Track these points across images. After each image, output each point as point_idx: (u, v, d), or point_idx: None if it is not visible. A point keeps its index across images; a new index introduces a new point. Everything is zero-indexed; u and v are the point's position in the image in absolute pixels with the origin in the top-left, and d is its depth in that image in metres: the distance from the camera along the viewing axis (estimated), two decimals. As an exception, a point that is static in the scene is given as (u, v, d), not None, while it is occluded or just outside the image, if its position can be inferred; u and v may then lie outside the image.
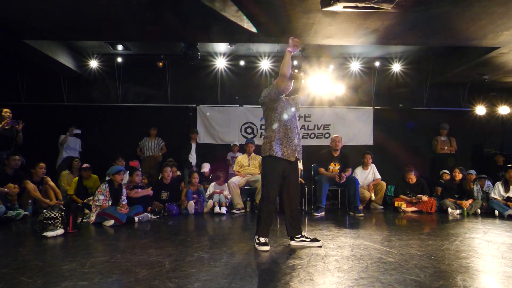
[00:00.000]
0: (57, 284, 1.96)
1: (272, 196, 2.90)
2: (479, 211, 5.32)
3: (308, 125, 7.39)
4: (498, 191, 5.39)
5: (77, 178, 5.32)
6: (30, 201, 4.71)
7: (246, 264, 2.42)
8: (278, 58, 6.85)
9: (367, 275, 2.14)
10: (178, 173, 6.08)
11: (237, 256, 2.60)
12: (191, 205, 5.07)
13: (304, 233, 3.03)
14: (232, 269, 2.29)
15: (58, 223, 3.40)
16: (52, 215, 3.43)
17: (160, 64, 6.71)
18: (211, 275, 2.16)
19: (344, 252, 2.75)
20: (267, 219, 2.89)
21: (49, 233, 3.28)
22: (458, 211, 5.30)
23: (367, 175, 6.18)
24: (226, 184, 5.55)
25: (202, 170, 6.15)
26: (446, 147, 6.95)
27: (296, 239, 3.00)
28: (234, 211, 5.21)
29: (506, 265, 2.40)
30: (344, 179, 5.28)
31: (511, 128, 7.54)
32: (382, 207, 5.95)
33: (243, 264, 2.41)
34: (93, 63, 6.81)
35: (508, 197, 5.26)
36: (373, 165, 6.21)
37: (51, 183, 5.13)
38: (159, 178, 5.55)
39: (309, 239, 2.97)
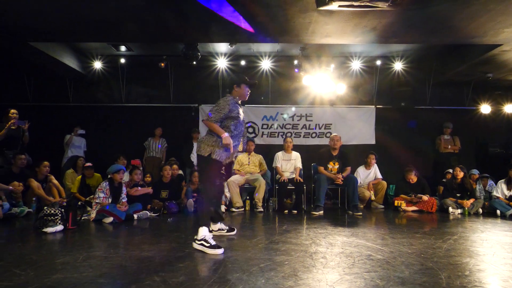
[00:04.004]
0: (48, 276, 2.03)
1: None
2: (480, 210, 5.25)
3: (309, 125, 7.39)
4: (501, 190, 5.30)
5: (80, 176, 5.44)
6: (34, 198, 4.84)
7: (234, 259, 2.46)
8: (278, 57, 6.87)
9: (352, 271, 2.16)
10: (180, 172, 6.16)
11: (228, 252, 2.64)
12: (190, 203, 5.14)
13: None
14: (220, 263, 2.34)
15: (57, 220, 3.50)
16: (52, 211, 3.52)
17: (162, 64, 6.80)
18: (198, 269, 2.21)
19: (334, 249, 2.76)
20: None
21: (49, 229, 3.38)
22: (459, 211, 5.24)
23: (369, 174, 6.16)
24: (225, 183, 5.59)
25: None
26: (449, 146, 6.88)
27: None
28: (233, 209, 5.26)
29: (493, 263, 2.38)
30: (341, 181, 5.30)
31: (517, 127, 7.41)
32: (383, 206, 5.92)
33: (232, 259, 2.45)
34: (97, 64, 6.94)
35: (510, 196, 5.18)
36: (375, 165, 6.19)
37: (55, 181, 5.26)
38: (160, 177, 5.63)
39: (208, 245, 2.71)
